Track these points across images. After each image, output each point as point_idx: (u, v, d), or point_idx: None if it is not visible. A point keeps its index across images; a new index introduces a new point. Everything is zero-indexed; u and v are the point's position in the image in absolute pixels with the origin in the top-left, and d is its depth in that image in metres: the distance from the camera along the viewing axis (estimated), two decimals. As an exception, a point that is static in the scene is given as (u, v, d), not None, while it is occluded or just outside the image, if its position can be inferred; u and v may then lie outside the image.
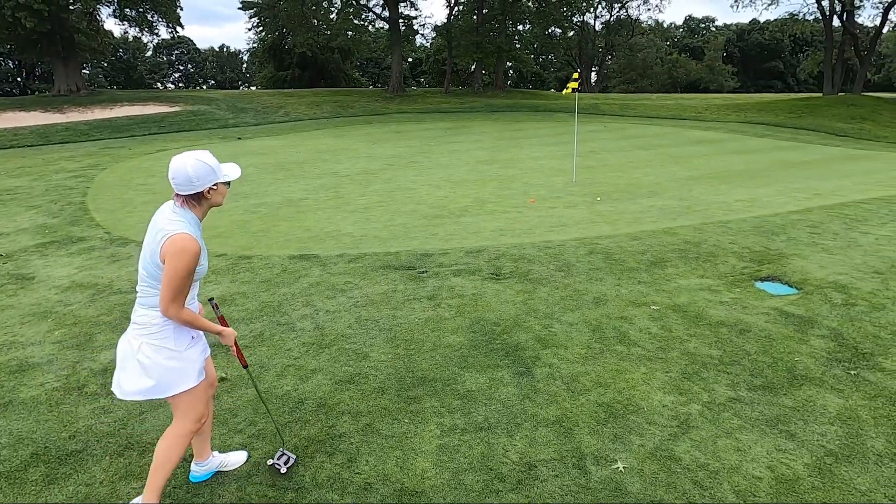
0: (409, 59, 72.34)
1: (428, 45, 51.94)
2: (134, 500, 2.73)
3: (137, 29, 35.07)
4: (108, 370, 4.10)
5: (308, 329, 4.83)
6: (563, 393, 3.74)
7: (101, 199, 10.91)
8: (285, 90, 38.59)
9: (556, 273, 6.07)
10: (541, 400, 3.66)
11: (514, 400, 3.67)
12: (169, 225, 2.31)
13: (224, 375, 3.99)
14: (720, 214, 8.78)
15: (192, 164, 2.31)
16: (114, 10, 33.25)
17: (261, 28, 40.91)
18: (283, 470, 3.00)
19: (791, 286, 5.69)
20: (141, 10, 33.32)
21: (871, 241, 7.10)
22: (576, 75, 11.68)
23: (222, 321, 2.69)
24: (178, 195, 2.38)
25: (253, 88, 43.29)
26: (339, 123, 27.79)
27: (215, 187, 2.40)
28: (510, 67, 73.10)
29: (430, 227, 8.36)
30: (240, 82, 64.88)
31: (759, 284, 5.79)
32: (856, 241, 7.11)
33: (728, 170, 14.07)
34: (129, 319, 2.57)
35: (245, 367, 2.94)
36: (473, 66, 40.64)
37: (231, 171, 2.48)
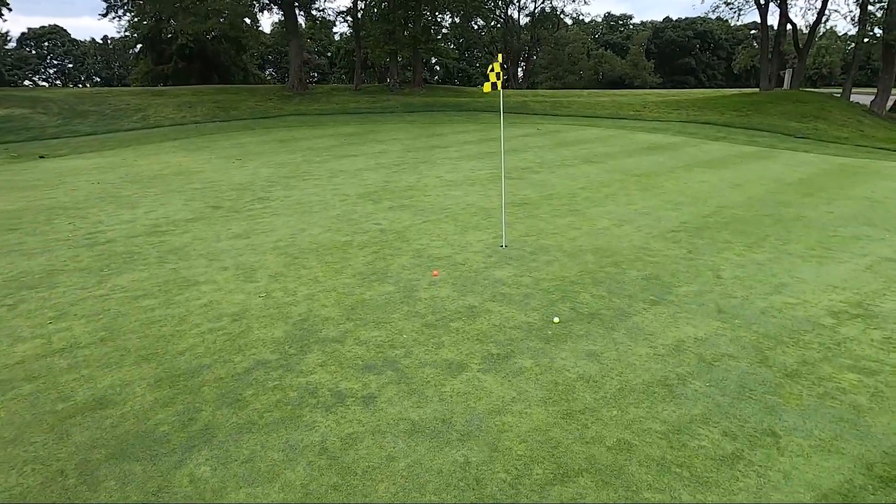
0: (329, 54, 64.69)
1: (339, 37, 44.99)
2: None
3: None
4: None
5: None
6: None
7: None
8: (155, 88, 30.64)
9: None
10: None
11: None
12: None
13: None
14: (863, 397, 3.46)
15: None
16: None
17: (131, 14, 32.53)
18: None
19: None
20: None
21: None
22: (498, 63, 5.99)
23: None
24: None
25: (162, 87, 33.73)
26: (209, 130, 20.86)
27: None
28: (436, 63, 67.33)
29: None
30: (131, 79, 53.84)
31: None
32: None
33: (727, 202, 9.03)
34: None
35: None
36: (388, 60, 34.44)
37: None
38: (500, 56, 6.10)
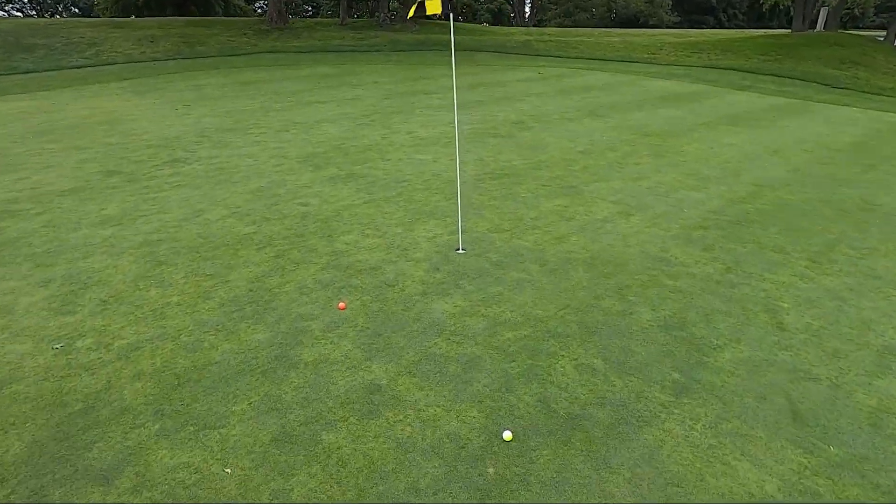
0: (323, -14, 58.91)
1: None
2: None
3: None
4: None
5: None
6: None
7: None
8: (118, 19, 27.27)
9: None
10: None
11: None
12: None
13: None
14: None
15: None
16: None
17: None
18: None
19: None
20: None
21: None
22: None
23: None
24: None
25: (133, 18, 29.66)
26: (167, 69, 18.13)
27: None
28: (438, -3, 61.52)
29: None
30: (98, 9, 48.56)
31: None
32: None
33: (767, 179, 6.78)
34: None
35: None
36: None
37: None
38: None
